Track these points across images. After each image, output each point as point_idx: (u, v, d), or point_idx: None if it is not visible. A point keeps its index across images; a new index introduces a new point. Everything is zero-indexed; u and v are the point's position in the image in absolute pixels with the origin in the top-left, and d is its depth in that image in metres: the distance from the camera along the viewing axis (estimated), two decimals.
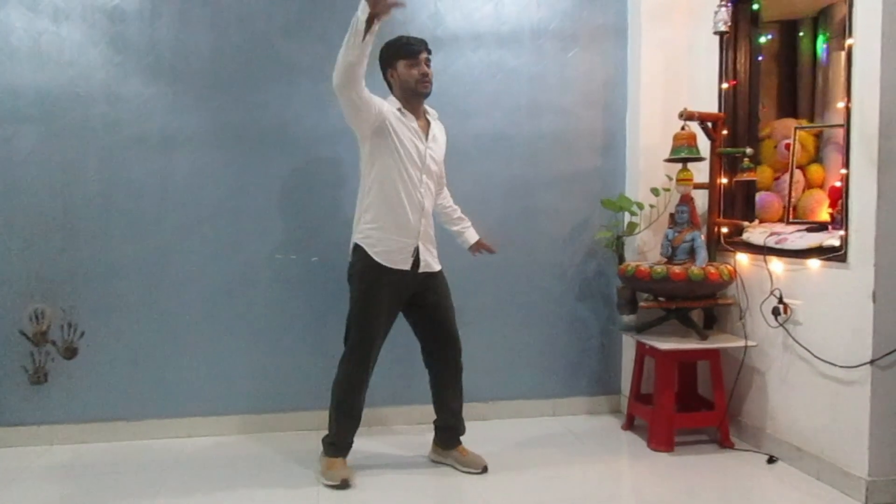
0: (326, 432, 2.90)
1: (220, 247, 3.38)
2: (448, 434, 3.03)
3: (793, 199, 3.33)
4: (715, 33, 3.32)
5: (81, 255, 3.27)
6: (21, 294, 3.23)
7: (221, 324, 3.41)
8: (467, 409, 3.60)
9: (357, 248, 2.80)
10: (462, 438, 3.06)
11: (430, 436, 3.11)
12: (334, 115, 3.33)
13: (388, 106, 2.75)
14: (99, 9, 3.23)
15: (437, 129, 2.95)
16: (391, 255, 2.77)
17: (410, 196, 2.78)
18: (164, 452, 3.16)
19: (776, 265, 3.08)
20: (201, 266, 3.38)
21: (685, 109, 3.32)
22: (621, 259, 3.56)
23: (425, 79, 2.78)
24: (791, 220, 3.29)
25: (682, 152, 3.33)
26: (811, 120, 3.55)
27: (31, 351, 3.24)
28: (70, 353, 3.27)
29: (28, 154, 3.22)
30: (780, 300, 3.03)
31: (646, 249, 3.63)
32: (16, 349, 3.24)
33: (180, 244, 3.36)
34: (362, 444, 3.09)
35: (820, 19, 3.57)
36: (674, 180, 3.41)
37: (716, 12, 3.28)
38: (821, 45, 3.58)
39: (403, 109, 2.80)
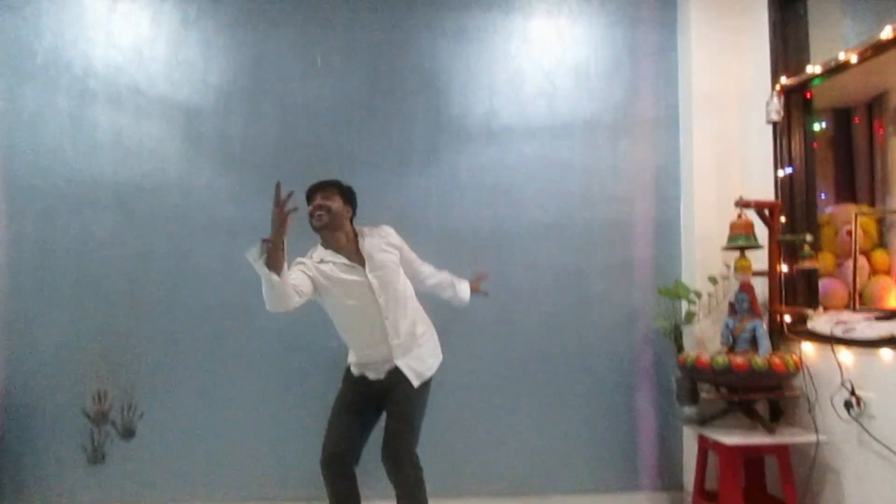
0: None
1: (278, 334, 3.45)
2: None
3: (858, 286, 3.22)
4: (768, 122, 3.35)
5: (145, 338, 3.38)
6: (86, 374, 3.34)
7: (277, 410, 3.43)
8: (521, 502, 3.50)
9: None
10: None
11: None
12: (391, 204, 3.46)
13: (312, 262, 2.72)
14: (178, 106, 3.49)
15: (370, 244, 2.79)
16: (364, 370, 2.83)
17: (369, 329, 2.74)
18: None
19: (845, 355, 2.95)
20: (259, 353, 3.44)
21: (741, 197, 3.31)
22: (680, 348, 3.47)
23: (315, 212, 2.72)
24: (858, 307, 3.18)
25: (740, 240, 3.30)
26: (871, 205, 3.49)
27: (91, 430, 3.30)
28: (128, 433, 3.32)
29: (103, 241, 3.40)
30: (853, 392, 2.88)
31: (705, 338, 3.53)
32: (77, 428, 3.31)
33: (239, 330, 3.44)
34: None
35: (874, 105, 3.57)
36: (732, 268, 3.36)
37: (768, 102, 3.32)
38: (877, 131, 3.56)
39: (325, 251, 2.76)
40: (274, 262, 2.38)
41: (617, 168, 3.72)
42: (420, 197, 3.62)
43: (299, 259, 2.71)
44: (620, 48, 3.75)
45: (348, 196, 2.83)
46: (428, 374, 2.83)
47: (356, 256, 2.74)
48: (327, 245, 2.76)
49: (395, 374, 2.75)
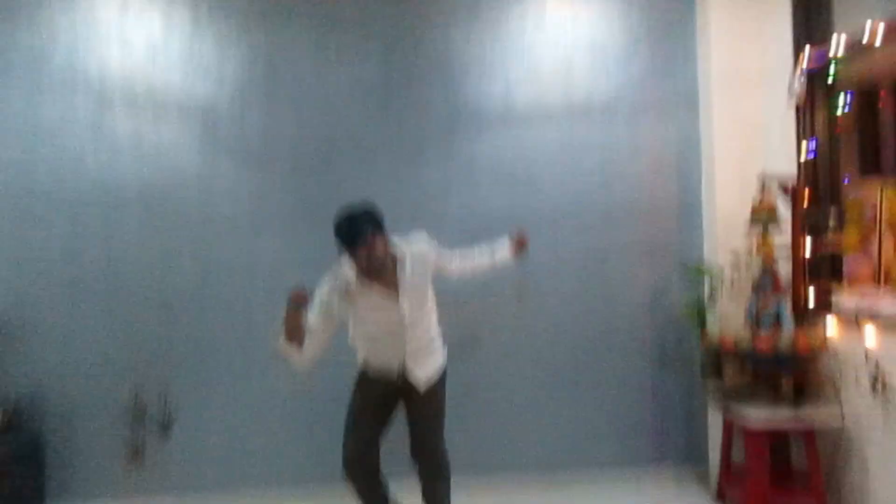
0: None
1: None
2: None
3: (883, 263, 3.21)
4: (791, 99, 3.30)
5: (177, 334, 3.46)
6: (122, 372, 3.43)
7: (308, 397, 3.51)
8: (550, 479, 3.60)
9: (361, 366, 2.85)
10: None
11: None
12: (410, 192, 3.47)
13: (341, 282, 2.62)
14: (194, 106, 3.49)
15: (410, 270, 2.68)
16: (381, 376, 2.78)
17: (390, 342, 2.70)
18: None
19: (870, 332, 2.96)
20: None
21: (763, 175, 3.29)
22: (703, 327, 3.50)
23: (370, 262, 2.56)
24: (883, 284, 3.17)
25: (763, 218, 3.29)
26: None
27: (131, 425, 3.41)
28: (166, 427, 3.43)
29: (130, 242, 3.46)
30: (877, 369, 2.90)
31: (728, 317, 3.55)
32: (116, 424, 3.41)
33: (267, 322, 3.48)
34: None
35: None
36: (754, 246, 3.35)
37: (790, 79, 3.27)
38: None
39: (358, 281, 2.61)
40: (293, 342, 2.54)
41: (636, 149, 3.69)
42: (439, 184, 3.62)
43: (320, 295, 2.62)
44: (638, 27, 3.68)
45: (382, 225, 2.62)
46: (439, 374, 2.82)
47: (392, 285, 2.64)
48: (364, 275, 2.61)
49: (412, 377, 2.74)
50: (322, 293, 2.63)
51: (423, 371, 2.76)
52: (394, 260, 2.67)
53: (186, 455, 3.45)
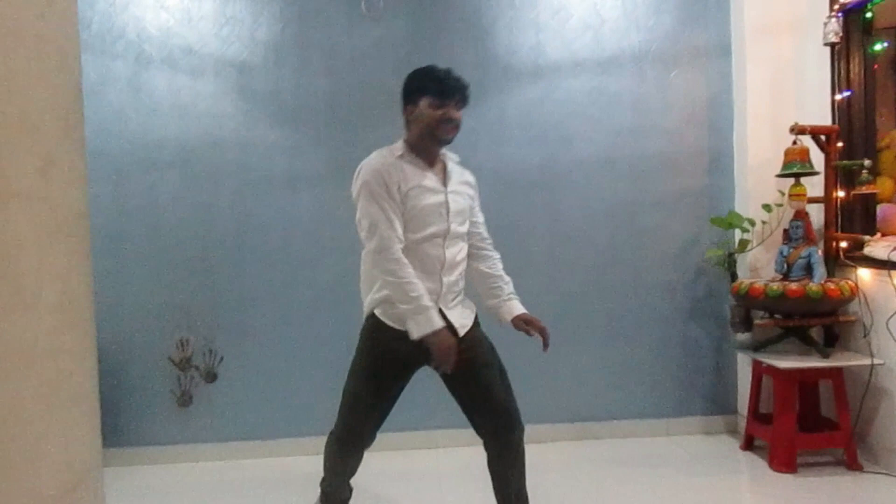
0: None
1: (341, 276, 3.60)
2: None
3: None
4: (826, 44, 3.27)
5: (218, 288, 3.58)
6: (168, 325, 3.57)
7: (345, 345, 3.60)
8: (581, 428, 3.69)
9: (372, 315, 2.32)
10: (570, 466, 2.91)
11: None
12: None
13: (391, 164, 2.21)
14: (229, 63, 3.55)
15: (457, 174, 2.36)
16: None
17: (426, 254, 2.23)
18: (296, 469, 3.40)
19: None
20: (324, 294, 3.62)
21: (796, 124, 3.27)
22: (734, 277, 3.53)
23: (449, 124, 2.22)
24: None
25: (795, 167, 3.28)
26: None
27: (178, 376, 3.56)
28: (211, 377, 3.58)
29: (170, 198, 3.56)
30: None
31: (759, 266, 3.57)
32: (164, 374, 3.57)
33: (305, 275, 3.61)
34: None
35: None
36: (786, 196, 3.36)
37: (825, 24, 3.22)
38: None
39: (411, 155, 2.25)
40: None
41: (667, 99, 3.68)
42: (469, 137, 3.63)
43: (390, 178, 2.18)
44: None
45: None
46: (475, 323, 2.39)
47: (440, 175, 2.30)
48: (420, 152, 2.26)
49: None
50: (382, 177, 2.16)
51: (459, 318, 2.30)
52: (444, 156, 2.34)
53: (231, 404, 3.60)
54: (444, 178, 2.29)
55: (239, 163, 3.58)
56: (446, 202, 2.24)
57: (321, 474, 2.49)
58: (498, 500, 2.34)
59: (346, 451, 2.40)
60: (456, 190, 2.30)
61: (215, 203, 3.58)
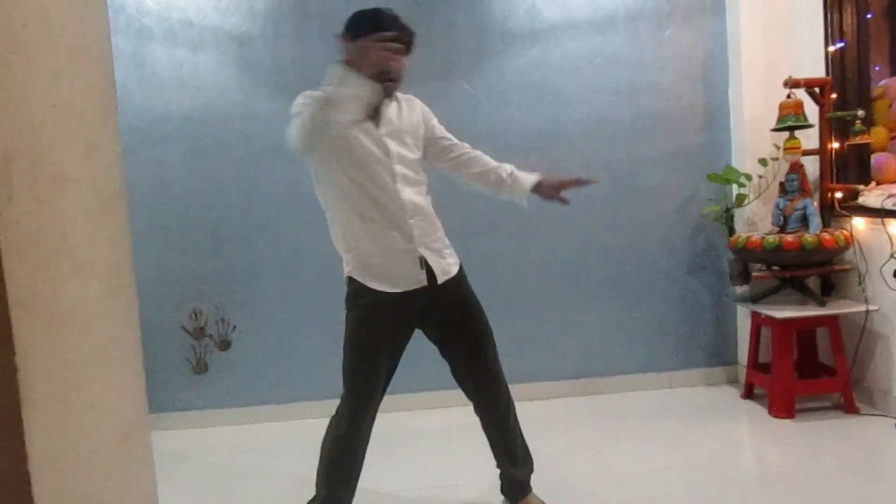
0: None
1: None
2: (507, 485, 2.47)
3: None
4: None
5: (227, 258, 3.67)
6: (180, 295, 3.67)
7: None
8: (585, 384, 3.79)
9: (351, 280, 2.25)
10: (575, 421, 3.04)
11: None
12: (440, 112, 3.57)
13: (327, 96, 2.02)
14: (228, 35, 3.60)
15: (395, 105, 2.22)
16: (390, 276, 2.16)
17: (382, 203, 2.12)
18: (309, 433, 3.51)
19: (895, 228, 3.04)
20: (331, 261, 3.67)
21: (790, 77, 3.31)
22: (731, 231, 3.59)
23: (394, 67, 2.10)
24: None
25: (789, 121, 3.33)
26: None
27: (193, 345, 3.67)
28: (225, 345, 3.68)
29: (177, 171, 3.64)
30: None
31: (756, 220, 3.64)
32: (180, 343, 3.68)
33: (311, 243, 3.68)
34: None
35: None
36: (781, 149, 3.41)
37: None
38: None
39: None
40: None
41: (662, 57, 3.72)
42: (468, 103, 3.71)
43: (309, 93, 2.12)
44: None
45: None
46: (460, 274, 2.29)
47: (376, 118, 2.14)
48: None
49: (433, 275, 2.18)
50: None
51: (442, 263, 2.20)
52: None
53: (245, 370, 3.71)
54: (377, 119, 2.14)
55: (244, 134, 3.64)
56: (384, 145, 2.12)
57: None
58: (496, 460, 2.43)
59: (351, 429, 2.21)
60: (391, 125, 2.16)
61: (222, 175, 3.65)
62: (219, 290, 3.68)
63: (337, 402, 2.34)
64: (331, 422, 2.29)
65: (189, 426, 3.67)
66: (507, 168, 2.31)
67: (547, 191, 2.29)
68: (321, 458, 2.27)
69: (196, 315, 3.66)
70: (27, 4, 0.93)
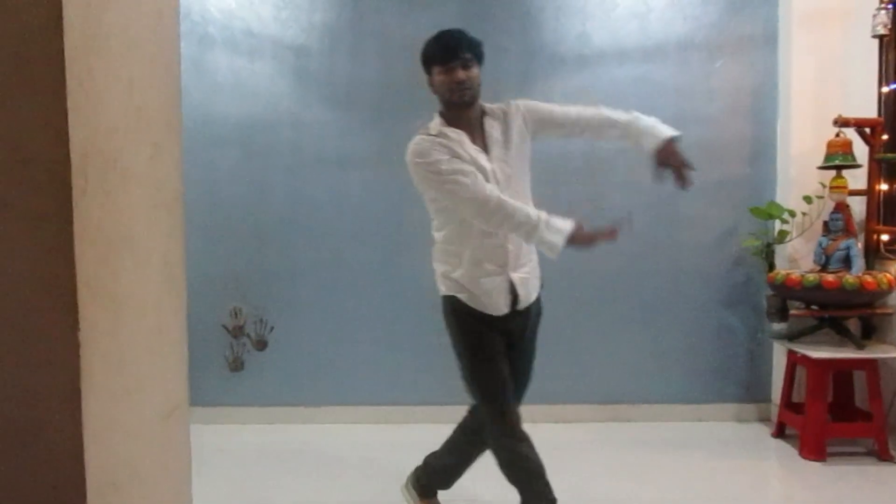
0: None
1: (387, 253, 3.77)
2: (426, 477, 2.60)
3: None
4: (874, 37, 3.27)
5: (270, 260, 3.78)
6: (222, 293, 3.78)
7: (389, 320, 3.79)
8: (613, 410, 3.78)
9: (446, 297, 2.31)
10: (600, 447, 3.06)
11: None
12: None
13: (431, 142, 2.17)
14: (287, 46, 3.73)
15: (496, 129, 2.25)
16: (490, 298, 2.24)
17: (489, 248, 2.21)
18: (337, 437, 3.59)
19: None
20: (371, 269, 3.78)
21: (840, 116, 3.29)
22: (771, 267, 3.56)
23: (461, 87, 2.15)
24: None
25: (837, 159, 3.30)
26: None
27: (231, 342, 3.78)
28: (261, 345, 3.78)
29: (227, 174, 3.76)
30: None
31: (797, 257, 3.60)
32: (218, 340, 3.79)
33: (353, 251, 3.78)
34: None
35: None
36: (827, 188, 3.38)
37: (874, 15, 3.23)
38: None
39: (447, 129, 2.19)
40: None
41: (711, 88, 3.72)
42: None
43: (439, 151, 2.14)
44: None
45: (480, 53, 2.20)
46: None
47: (480, 137, 2.22)
48: (452, 122, 2.21)
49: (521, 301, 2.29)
50: (432, 152, 2.14)
51: (524, 287, 2.29)
52: (481, 111, 2.24)
53: (280, 371, 3.80)
54: (485, 142, 2.20)
55: (293, 142, 3.76)
56: (493, 171, 2.18)
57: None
58: (443, 451, 2.54)
59: (515, 435, 2.21)
60: (498, 146, 2.21)
61: (270, 180, 3.77)
62: (259, 291, 3.78)
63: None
64: (493, 449, 2.27)
65: (221, 422, 3.76)
66: (543, 215, 2.15)
67: (581, 240, 2.21)
68: (517, 481, 2.23)
69: (236, 314, 3.77)
70: (110, 16, 1.02)
